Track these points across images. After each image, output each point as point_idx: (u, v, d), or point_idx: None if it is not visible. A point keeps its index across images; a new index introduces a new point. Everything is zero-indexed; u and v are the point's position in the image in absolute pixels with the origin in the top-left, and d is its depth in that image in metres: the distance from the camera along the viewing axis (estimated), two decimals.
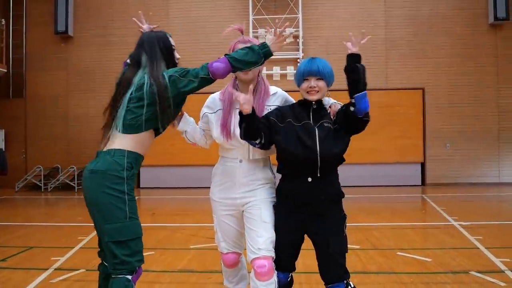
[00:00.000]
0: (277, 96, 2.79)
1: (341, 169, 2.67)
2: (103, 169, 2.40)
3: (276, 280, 2.59)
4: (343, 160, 2.63)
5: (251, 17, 13.79)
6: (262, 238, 2.59)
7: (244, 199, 2.72)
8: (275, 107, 2.73)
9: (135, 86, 2.48)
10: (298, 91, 2.67)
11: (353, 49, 2.59)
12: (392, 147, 13.77)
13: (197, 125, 2.93)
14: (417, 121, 13.95)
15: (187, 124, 2.87)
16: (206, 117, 2.82)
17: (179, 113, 2.80)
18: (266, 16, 13.49)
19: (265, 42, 2.57)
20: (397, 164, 13.82)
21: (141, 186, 13.96)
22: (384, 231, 6.61)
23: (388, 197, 11.37)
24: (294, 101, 2.76)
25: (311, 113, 2.61)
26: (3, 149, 13.65)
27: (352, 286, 2.59)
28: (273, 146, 2.66)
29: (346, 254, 2.62)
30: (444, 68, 13.84)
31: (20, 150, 14.80)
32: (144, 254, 2.50)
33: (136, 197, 2.56)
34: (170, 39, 2.66)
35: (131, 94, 2.47)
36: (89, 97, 14.57)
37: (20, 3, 15.05)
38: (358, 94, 2.55)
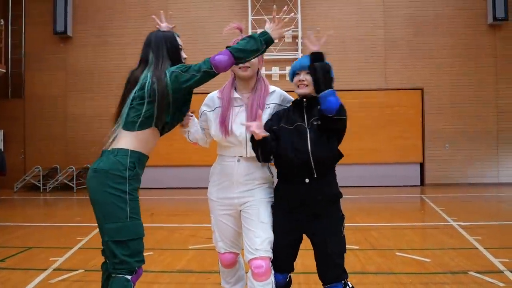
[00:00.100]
0: (275, 94, 2.79)
1: (339, 169, 2.67)
2: (106, 169, 2.40)
3: (273, 281, 2.59)
4: (341, 156, 2.62)
5: (250, 17, 13.80)
6: (259, 239, 2.59)
7: (242, 198, 2.71)
8: (274, 105, 2.75)
9: (139, 84, 2.50)
10: None
11: (313, 48, 2.56)
12: (391, 147, 13.78)
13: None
14: (416, 121, 13.96)
15: (192, 124, 2.87)
16: (205, 115, 2.83)
17: (191, 112, 2.79)
18: (265, 16, 13.48)
19: (264, 30, 2.55)
20: (396, 164, 13.83)
21: (139, 187, 13.93)
22: (383, 231, 6.61)
23: (387, 197, 11.37)
24: (293, 99, 2.76)
25: (304, 113, 2.61)
26: (2, 150, 13.57)
27: (350, 286, 2.59)
28: None
29: (345, 254, 2.62)
30: (444, 68, 13.85)
31: (18, 150, 14.79)
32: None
33: None
34: (178, 39, 2.66)
35: (135, 92, 2.49)
36: (88, 97, 14.58)
37: (19, 3, 15.04)
38: (321, 93, 2.50)
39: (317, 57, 2.54)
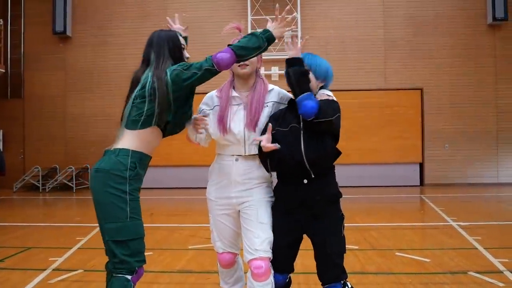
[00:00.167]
0: (273, 92, 2.79)
1: (339, 169, 2.66)
2: (107, 168, 2.41)
3: (273, 281, 2.59)
4: (338, 155, 2.60)
5: (249, 18, 13.80)
6: (259, 239, 2.59)
7: (240, 198, 2.71)
8: (272, 103, 2.74)
9: (141, 84, 2.50)
10: None
11: (289, 53, 2.57)
12: (391, 147, 13.78)
13: None
14: (415, 121, 13.97)
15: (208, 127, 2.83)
16: (204, 114, 2.82)
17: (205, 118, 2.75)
18: (265, 16, 13.48)
19: (266, 28, 2.56)
20: (396, 164, 13.84)
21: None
22: (382, 231, 6.61)
23: (386, 197, 11.37)
24: (291, 96, 2.75)
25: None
26: (1, 150, 13.59)
27: (350, 286, 2.58)
28: None
29: (344, 254, 2.61)
30: (443, 68, 13.85)
31: (18, 151, 14.78)
32: None
33: None
34: (181, 38, 2.66)
35: (136, 92, 2.50)
36: (87, 97, 14.58)
37: (18, 3, 15.03)
38: (297, 98, 2.50)
39: (291, 62, 2.54)
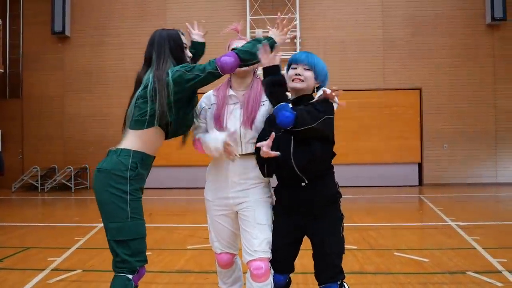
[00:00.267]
0: None
1: (338, 169, 2.65)
2: (109, 169, 2.43)
3: (272, 282, 2.59)
4: (332, 156, 2.58)
5: (248, 18, 13.79)
6: (257, 240, 2.59)
7: (237, 199, 2.70)
8: (269, 102, 2.71)
9: (143, 84, 2.51)
10: None
11: (264, 62, 2.54)
12: (390, 147, 13.78)
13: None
14: (414, 121, 13.98)
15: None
16: (205, 112, 2.82)
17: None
18: (264, 16, 13.49)
19: (269, 35, 2.62)
20: (395, 164, 13.84)
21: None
22: (381, 231, 6.61)
23: (385, 197, 11.37)
24: (289, 95, 2.74)
25: None
26: (0, 150, 13.61)
27: (346, 287, 2.56)
28: None
29: (343, 254, 2.60)
30: (442, 68, 13.86)
31: (16, 151, 14.76)
32: None
33: None
34: (183, 37, 2.67)
35: (139, 92, 2.51)
36: (86, 97, 14.56)
37: (17, 3, 15.01)
38: (274, 108, 2.50)
39: (268, 71, 2.54)
